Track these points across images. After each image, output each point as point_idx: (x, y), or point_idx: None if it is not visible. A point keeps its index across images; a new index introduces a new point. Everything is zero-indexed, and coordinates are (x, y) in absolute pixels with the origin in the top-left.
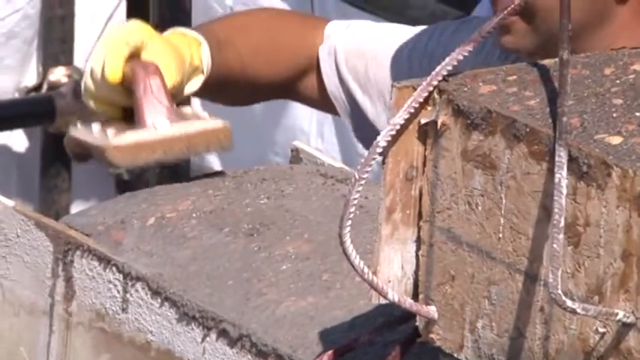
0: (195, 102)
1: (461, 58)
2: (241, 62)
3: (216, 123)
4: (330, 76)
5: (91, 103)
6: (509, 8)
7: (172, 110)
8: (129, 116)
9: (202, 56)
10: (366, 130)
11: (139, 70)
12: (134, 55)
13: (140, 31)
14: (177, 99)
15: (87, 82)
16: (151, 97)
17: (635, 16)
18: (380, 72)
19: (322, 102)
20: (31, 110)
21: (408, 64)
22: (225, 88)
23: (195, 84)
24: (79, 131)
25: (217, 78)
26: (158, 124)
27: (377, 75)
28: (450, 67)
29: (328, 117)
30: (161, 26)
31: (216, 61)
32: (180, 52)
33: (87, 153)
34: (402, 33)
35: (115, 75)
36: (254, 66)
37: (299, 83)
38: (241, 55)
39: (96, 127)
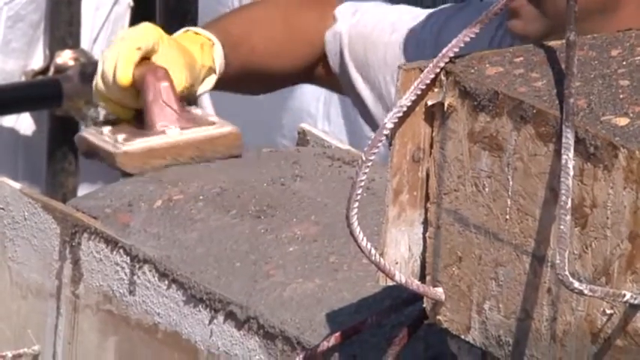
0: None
1: (468, 39)
2: (257, 56)
3: (225, 128)
4: (335, 60)
5: (103, 105)
6: None
7: (182, 115)
8: (139, 118)
9: (215, 56)
10: (367, 116)
11: (149, 75)
12: (145, 58)
13: (151, 34)
14: (189, 99)
15: (98, 84)
16: (160, 103)
17: None
18: (376, 56)
19: (336, 83)
20: (37, 93)
21: (401, 51)
22: (241, 83)
23: (208, 84)
24: (90, 133)
25: (232, 75)
26: (168, 130)
27: (373, 59)
28: (457, 49)
29: (335, 99)
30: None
31: (230, 58)
32: (191, 55)
33: (96, 153)
34: (404, 17)
35: (125, 78)
36: (270, 58)
37: (316, 68)
38: (256, 49)
39: (107, 129)
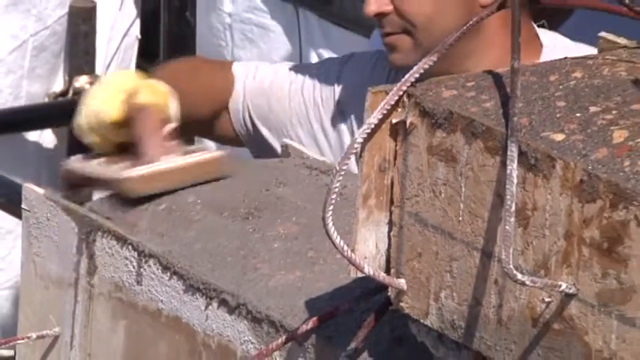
0: None
1: (427, 67)
2: (184, 107)
3: (214, 153)
4: (237, 118)
5: (90, 139)
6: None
7: (172, 144)
8: (122, 151)
9: (171, 105)
10: (266, 154)
11: (138, 111)
12: (129, 99)
13: (133, 78)
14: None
15: (85, 121)
16: (152, 134)
17: (503, 25)
18: (279, 104)
19: (234, 139)
20: (58, 112)
21: (303, 97)
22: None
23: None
24: (80, 164)
25: None
26: (162, 158)
27: (277, 107)
28: (417, 75)
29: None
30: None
31: None
32: (160, 103)
33: (84, 183)
34: (295, 70)
35: (114, 115)
36: (183, 108)
37: (217, 123)
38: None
39: (98, 161)
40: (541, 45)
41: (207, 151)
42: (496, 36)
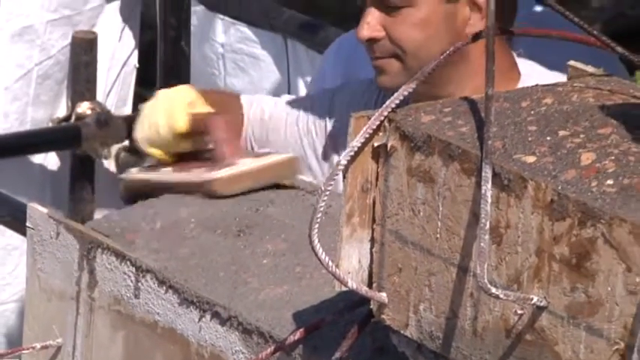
0: None
1: (406, 93)
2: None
3: (286, 155)
4: (244, 141)
5: (152, 151)
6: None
7: (244, 149)
8: (181, 159)
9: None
10: None
11: (212, 119)
12: (192, 111)
13: (189, 92)
14: None
15: (151, 134)
16: (228, 140)
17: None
18: (276, 135)
19: None
20: (61, 137)
21: (298, 127)
22: None
23: None
24: (146, 175)
25: None
26: (240, 161)
27: (273, 138)
28: (397, 102)
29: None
30: (164, 70)
31: None
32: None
33: (148, 191)
34: (292, 103)
35: (182, 127)
36: None
37: None
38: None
39: (166, 170)
40: (519, 73)
41: (277, 154)
42: (480, 64)
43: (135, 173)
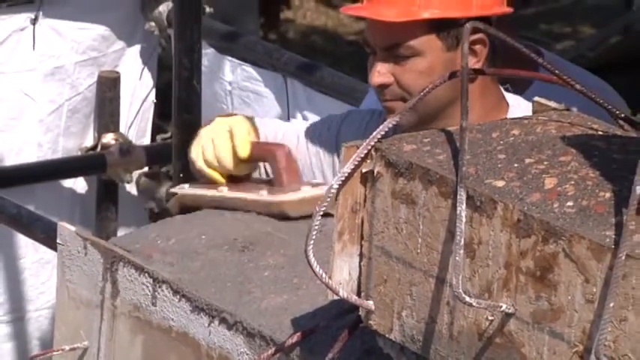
0: None
1: (390, 126)
2: None
3: None
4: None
5: (210, 172)
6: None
7: (301, 178)
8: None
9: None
10: None
11: (273, 147)
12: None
13: (247, 122)
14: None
15: (209, 156)
16: (290, 167)
17: (482, 92)
18: None
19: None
20: (89, 164)
21: (307, 150)
22: None
23: None
24: (199, 191)
25: None
26: (302, 187)
27: None
28: (382, 133)
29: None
30: (179, 106)
31: None
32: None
33: (195, 205)
34: (302, 127)
35: (245, 153)
36: None
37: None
38: None
39: (219, 188)
40: (507, 104)
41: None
42: (475, 100)
43: (187, 189)
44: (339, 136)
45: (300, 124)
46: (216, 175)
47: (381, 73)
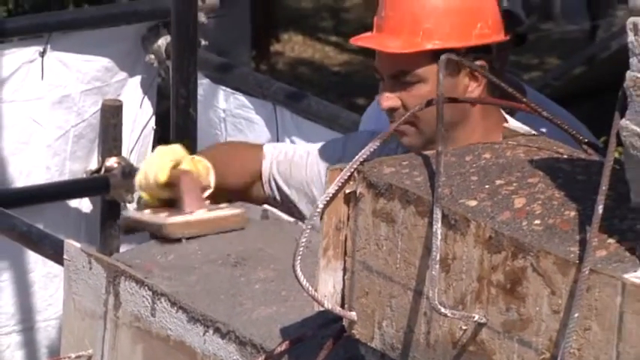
0: None
1: (372, 150)
2: (220, 177)
3: (235, 210)
4: (267, 182)
5: (142, 195)
6: (402, 119)
7: (204, 203)
8: (165, 205)
9: (210, 178)
10: (291, 209)
11: (183, 175)
12: (175, 166)
13: (180, 152)
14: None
15: (141, 181)
16: (191, 193)
17: (484, 115)
18: (298, 170)
19: (265, 201)
20: (93, 185)
21: (317, 167)
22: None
23: (205, 194)
24: (135, 214)
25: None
26: (196, 211)
27: (295, 173)
28: (365, 156)
29: None
30: (176, 132)
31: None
32: (200, 175)
33: (138, 228)
34: (312, 146)
35: (163, 178)
36: (224, 179)
37: (251, 189)
38: (224, 175)
39: (149, 211)
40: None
41: (231, 207)
42: (478, 124)
43: (129, 212)
44: (345, 154)
45: (310, 145)
46: (147, 198)
47: (389, 97)
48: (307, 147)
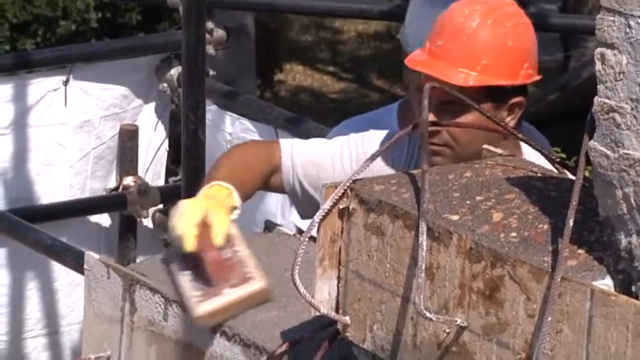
0: None
1: (364, 169)
2: (239, 182)
3: (262, 284)
4: (288, 179)
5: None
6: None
7: (231, 272)
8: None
9: (234, 198)
10: (310, 211)
11: (206, 248)
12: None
13: (201, 209)
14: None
15: (171, 237)
16: (216, 266)
17: (506, 138)
18: (325, 172)
19: (282, 191)
20: (112, 202)
21: (342, 166)
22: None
23: (235, 215)
24: (174, 278)
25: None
26: (225, 291)
27: (323, 175)
28: (357, 175)
29: (287, 205)
30: (187, 153)
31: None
32: (226, 204)
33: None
34: (331, 146)
35: (191, 246)
36: (244, 180)
37: (269, 182)
38: (236, 178)
39: (189, 273)
40: (521, 150)
41: (254, 280)
42: (502, 143)
43: (170, 259)
44: (364, 152)
45: (327, 144)
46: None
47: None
48: (327, 146)
